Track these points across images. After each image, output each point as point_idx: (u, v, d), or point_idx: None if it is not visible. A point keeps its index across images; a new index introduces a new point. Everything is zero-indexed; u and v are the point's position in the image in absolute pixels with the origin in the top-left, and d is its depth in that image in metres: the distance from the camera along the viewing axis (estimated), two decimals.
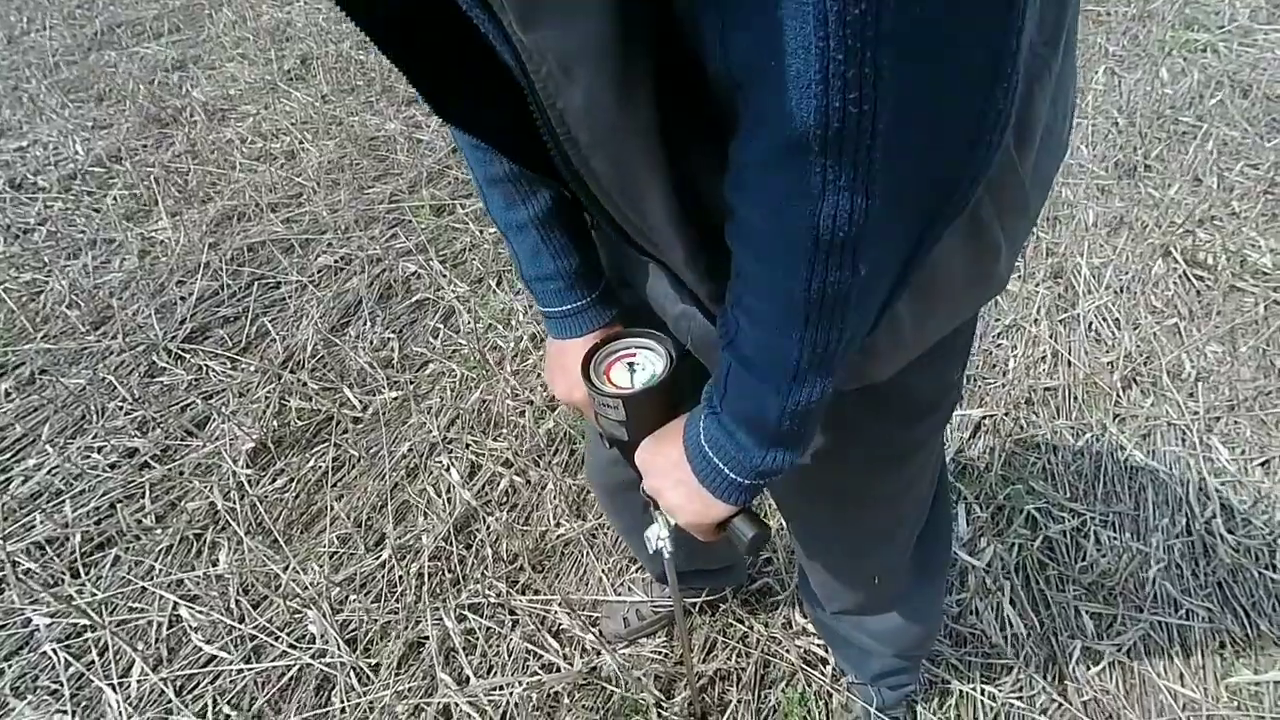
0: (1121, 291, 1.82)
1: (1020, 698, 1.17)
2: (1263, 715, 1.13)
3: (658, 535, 0.67)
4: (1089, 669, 1.20)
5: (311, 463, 1.62)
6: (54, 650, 1.31)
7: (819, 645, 1.24)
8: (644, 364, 0.61)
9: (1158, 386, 1.59)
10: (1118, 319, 1.76)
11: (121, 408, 1.73)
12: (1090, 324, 1.76)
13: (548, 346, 0.72)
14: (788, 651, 1.23)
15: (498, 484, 1.54)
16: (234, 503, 1.53)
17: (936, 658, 1.22)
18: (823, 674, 1.21)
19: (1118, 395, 1.59)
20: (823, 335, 0.42)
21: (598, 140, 0.41)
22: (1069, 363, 1.67)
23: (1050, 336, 1.73)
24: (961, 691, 1.19)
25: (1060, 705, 1.16)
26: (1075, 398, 1.59)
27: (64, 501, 1.54)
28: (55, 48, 3.49)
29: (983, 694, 1.18)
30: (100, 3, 3.99)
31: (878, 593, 0.88)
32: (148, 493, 1.56)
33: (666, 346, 0.61)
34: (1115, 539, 1.35)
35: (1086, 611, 1.26)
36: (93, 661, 1.30)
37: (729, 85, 0.36)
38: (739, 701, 1.19)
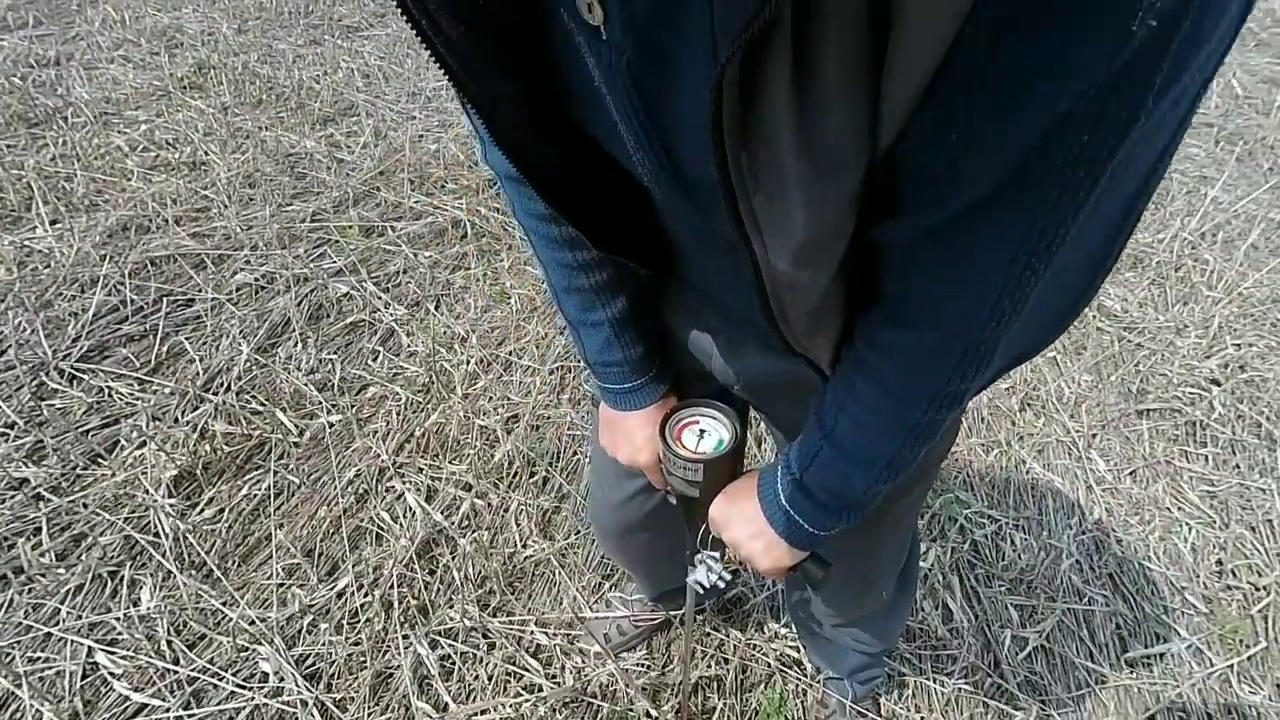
0: None
1: (967, 684, 1.30)
2: (1154, 681, 1.33)
3: (706, 575, 0.75)
4: (1018, 653, 1.35)
5: (245, 490, 1.49)
6: None
7: (792, 647, 1.30)
8: (711, 430, 0.69)
9: (1047, 409, 1.84)
10: None
11: (6, 435, 1.52)
12: None
13: (602, 414, 0.76)
14: (765, 655, 1.29)
15: (458, 507, 1.50)
16: (155, 535, 1.38)
17: (893, 652, 1.33)
18: (799, 673, 1.27)
19: (1015, 416, 1.82)
20: (920, 443, 0.51)
21: (806, 310, 0.48)
22: None
23: None
24: (917, 683, 1.30)
25: (1000, 687, 1.30)
26: (983, 418, 1.81)
27: None
28: None
29: (935, 683, 1.29)
30: None
31: (879, 605, 0.97)
32: (45, 527, 1.38)
33: (729, 415, 0.69)
34: (1027, 540, 1.54)
35: (1011, 604, 1.43)
36: None
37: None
38: (724, 706, 1.22)
